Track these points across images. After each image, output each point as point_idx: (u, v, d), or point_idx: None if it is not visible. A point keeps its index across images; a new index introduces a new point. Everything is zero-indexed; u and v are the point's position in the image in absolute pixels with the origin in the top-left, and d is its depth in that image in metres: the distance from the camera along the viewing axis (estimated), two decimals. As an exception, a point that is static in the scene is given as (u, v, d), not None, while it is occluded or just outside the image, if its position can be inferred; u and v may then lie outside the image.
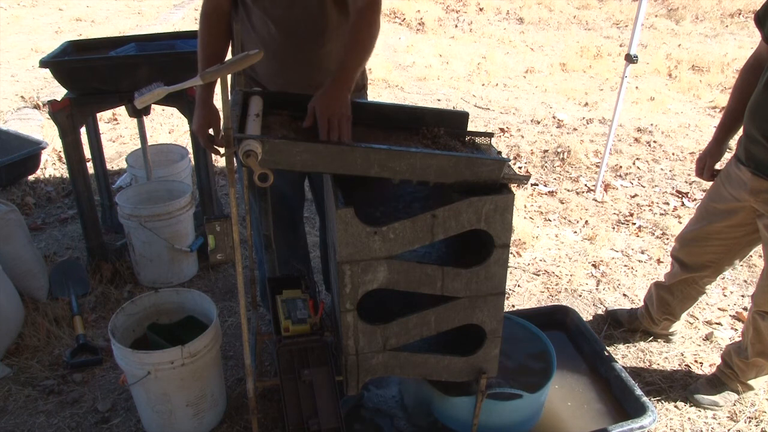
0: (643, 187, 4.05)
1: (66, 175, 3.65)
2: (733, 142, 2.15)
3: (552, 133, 4.86)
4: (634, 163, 4.38)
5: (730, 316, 2.76)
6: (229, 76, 1.37)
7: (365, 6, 1.70)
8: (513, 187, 1.48)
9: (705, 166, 2.19)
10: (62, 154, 3.38)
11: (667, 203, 3.83)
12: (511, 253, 3.12)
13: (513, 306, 2.76)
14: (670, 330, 2.54)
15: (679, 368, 2.43)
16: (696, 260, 2.26)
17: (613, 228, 3.50)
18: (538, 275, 3.02)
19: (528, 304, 2.79)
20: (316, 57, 1.87)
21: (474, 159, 1.41)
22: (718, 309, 2.80)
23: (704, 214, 2.18)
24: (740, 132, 2.05)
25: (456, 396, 1.83)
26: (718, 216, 2.11)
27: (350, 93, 1.58)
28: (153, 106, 2.79)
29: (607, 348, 2.27)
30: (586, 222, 3.54)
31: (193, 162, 3.02)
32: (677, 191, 3.99)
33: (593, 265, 3.12)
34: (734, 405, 2.23)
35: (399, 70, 6.27)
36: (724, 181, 2.09)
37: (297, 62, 1.87)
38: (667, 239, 3.36)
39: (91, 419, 2.10)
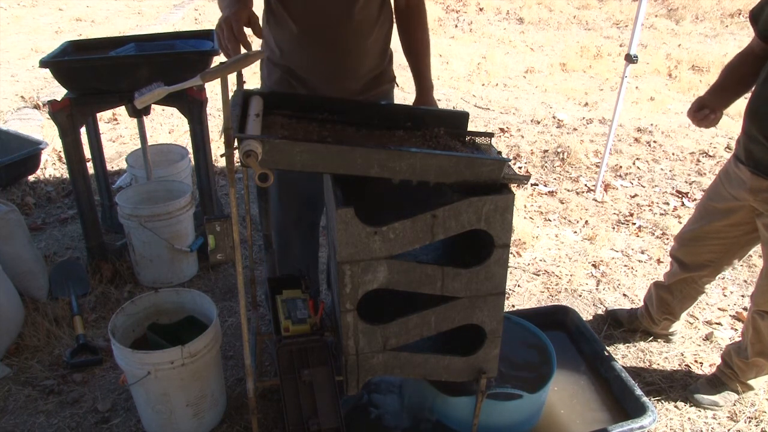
0: (643, 187, 4.05)
1: (66, 175, 3.65)
2: (733, 142, 2.14)
3: (552, 133, 4.86)
4: (634, 163, 4.38)
5: (730, 316, 2.77)
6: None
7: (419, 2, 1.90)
8: (513, 187, 1.48)
9: (697, 107, 2.06)
10: (62, 154, 3.38)
11: (667, 203, 3.83)
12: (511, 253, 3.12)
13: (513, 306, 2.76)
14: (670, 330, 2.54)
15: (679, 368, 2.43)
16: (695, 260, 2.26)
17: (613, 228, 3.50)
18: (538, 275, 3.02)
19: (528, 304, 2.79)
20: (361, 48, 1.90)
21: (474, 159, 1.41)
22: (718, 309, 2.81)
23: (703, 214, 2.18)
24: (739, 131, 2.05)
25: (456, 396, 1.83)
26: (717, 215, 2.11)
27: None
28: (153, 106, 2.79)
29: (607, 348, 2.27)
30: (586, 222, 3.54)
31: (193, 162, 3.02)
32: (677, 191, 3.99)
33: (593, 265, 3.12)
34: (734, 405, 2.23)
35: (399, 70, 6.26)
36: (723, 180, 2.09)
37: (341, 52, 1.88)
38: (667, 239, 3.36)
39: (91, 419, 2.10)
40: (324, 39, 1.84)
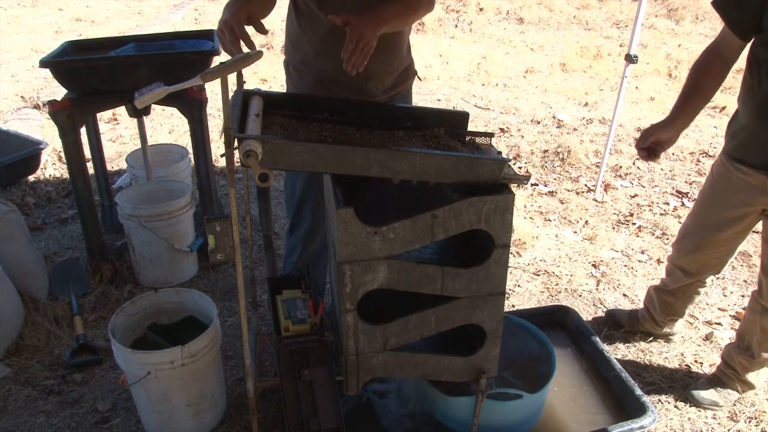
0: (643, 187, 4.05)
1: (66, 175, 3.65)
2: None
3: (552, 133, 4.86)
4: (634, 163, 4.38)
5: (730, 316, 2.76)
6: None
7: None
8: (513, 187, 1.48)
9: (646, 136, 2.00)
10: (62, 154, 3.38)
11: (667, 203, 3.83)
12: (511, 253, 3.12)
13: (513, 306, 2.76)
14: (672, 330, 2.54)
15: (679, 368, 2.43)
16: (700, 267, 2.24)
17: (613, 228, 3.50)
18: (538, 275, 3.02)
19: (528, 304, 2.79)
20: (395, 43, 1.90)
21: (474, 159, 1.42)
22: (718, 309, 2.81)
23: (706, 223, 2.13)
24: (735, 131, 2.00)
25: (456, 396, 1.83)
26: (725, 224, 2.06)
27: (381, 32, 1.64)
28: (153, 106, 2.79)
29: (607, 348, 2.27)
30: (586, 222, 3.54)
31: (193, 162, 3.02)
32: (677, 191, 3.99)
33: (593, 265, 3.12)
34: (734, 405, 2.23)
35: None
36: (725, 188, 2.02)
37: (378, 50, 1.82)
38: (667, 239, 3.36)
39: (91, 419, 2.10)
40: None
